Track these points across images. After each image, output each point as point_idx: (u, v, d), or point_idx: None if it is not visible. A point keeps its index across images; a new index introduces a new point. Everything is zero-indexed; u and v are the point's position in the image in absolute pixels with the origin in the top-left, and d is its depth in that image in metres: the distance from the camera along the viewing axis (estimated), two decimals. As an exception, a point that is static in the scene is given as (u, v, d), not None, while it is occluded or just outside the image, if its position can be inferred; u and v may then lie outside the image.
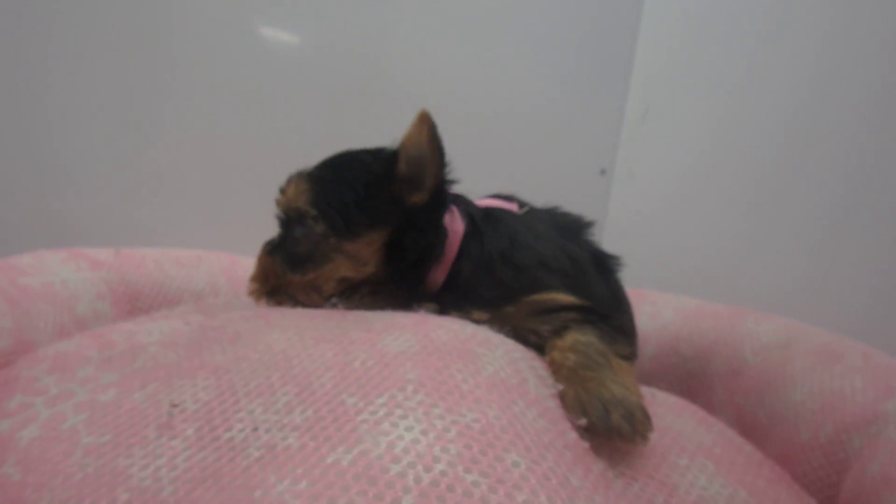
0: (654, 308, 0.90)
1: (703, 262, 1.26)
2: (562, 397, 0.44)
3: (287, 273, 0.56)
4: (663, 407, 0.54)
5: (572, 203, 1.39)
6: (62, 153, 0.95)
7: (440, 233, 0.55)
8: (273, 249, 0.58)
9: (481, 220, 0.58)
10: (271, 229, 0.60)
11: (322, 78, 1.11)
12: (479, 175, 1.27)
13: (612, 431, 0.41)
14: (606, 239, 1.45)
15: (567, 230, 0.64)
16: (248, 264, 0.90)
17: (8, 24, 0.89)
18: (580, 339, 0.47)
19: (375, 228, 0.54)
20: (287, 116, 1.09)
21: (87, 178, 0.97)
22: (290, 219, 0.57)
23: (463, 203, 0.61)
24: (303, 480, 0.30)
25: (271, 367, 0.41)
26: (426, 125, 0.52)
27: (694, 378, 0.79)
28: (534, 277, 0.54)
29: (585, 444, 0.40)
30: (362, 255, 0.55)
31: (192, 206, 1.05)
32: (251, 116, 1.06)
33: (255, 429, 0.34)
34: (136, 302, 0.73)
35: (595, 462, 0.39)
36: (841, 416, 0.58)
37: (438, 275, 0.55)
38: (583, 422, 0.43)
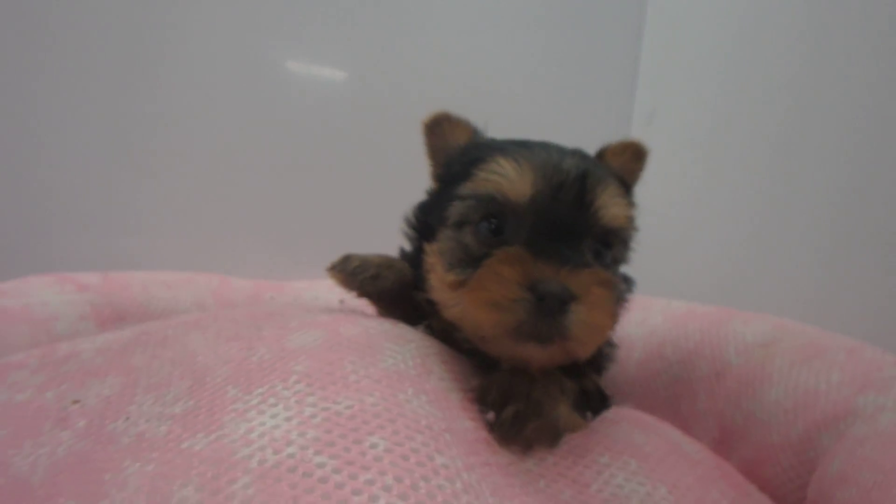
0: (644, 314, 0.87)
1: (713, 267, 1.20)
2: (482, 391, 0.43)
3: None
4: (599, 420, 0.51)
5: None
6: (62, 189, 0.99)
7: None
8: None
9: None
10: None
11: (341, 115, 1.14)
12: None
13: (498, 424, 0.40)
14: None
15: None
16: (238, 286, 0.94)
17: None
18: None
19: None
20: (303, 150, 1.12)
21: (99, 210, 1.02)
22: (600, 239, 0.47)
23: None
24: (152, 464, 0.31)
25: (177, 365, 0.42)
26: (643, 154, 0.57)
27: (679, 383, 0.74)
28: None
29: (483, 435, 0.39)
30: None
31: (201, 238, 1.08)
32: (269, 149, 1.10)
33: (128, 418, 0.35)
34: (121, 323, 0.77)
35: (492, 453, 0.38)
36: (812, 413, 0.53)
37: None
38: (490, 415, 0.42)
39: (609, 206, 0.45)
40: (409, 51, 1.18)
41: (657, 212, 1.32)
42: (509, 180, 0.44)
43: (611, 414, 0.51)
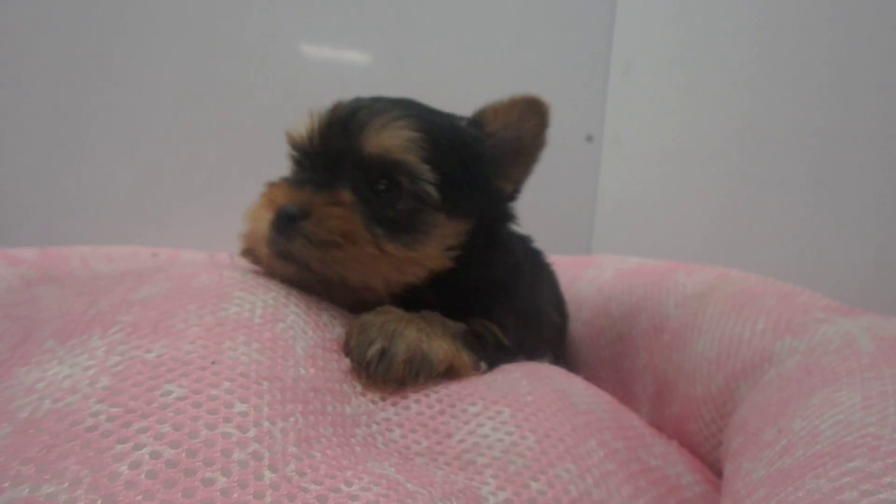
0: (597, 271, 0.82)
1: (700, 229, 1.14)
2: (346, 335, 0.41)
3: (379, 239, 0.44)
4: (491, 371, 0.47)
5: (561, 175, 1.32)
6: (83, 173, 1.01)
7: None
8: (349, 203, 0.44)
9: None
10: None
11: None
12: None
13: (364, 365, 0.38)
14: (600, 211, 1.35)
15: None
16: (189, 258, 0.92)
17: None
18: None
19: (467, 215, 0.48)
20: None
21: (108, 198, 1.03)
22: (367, 168, 0.45)
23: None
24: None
25: (18, 320, 0.40)
26: (538, 108, 0.50)
27: (622, 340, 0.70)
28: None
29: (322, 384, 0.36)
30: (450, 242, 0.47)
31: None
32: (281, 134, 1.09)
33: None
34: (54, 295, 0.76)
35: (333, 403, 0.35)
36: (734, 362, 0.49)
37: None
38: (345, 362, 0.39)
39: (372, 135, 0.45)
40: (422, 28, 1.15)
41: (641, 175, 1.26)
42: (296, 128, 0.49)
43: (510, 366, 0.48)
